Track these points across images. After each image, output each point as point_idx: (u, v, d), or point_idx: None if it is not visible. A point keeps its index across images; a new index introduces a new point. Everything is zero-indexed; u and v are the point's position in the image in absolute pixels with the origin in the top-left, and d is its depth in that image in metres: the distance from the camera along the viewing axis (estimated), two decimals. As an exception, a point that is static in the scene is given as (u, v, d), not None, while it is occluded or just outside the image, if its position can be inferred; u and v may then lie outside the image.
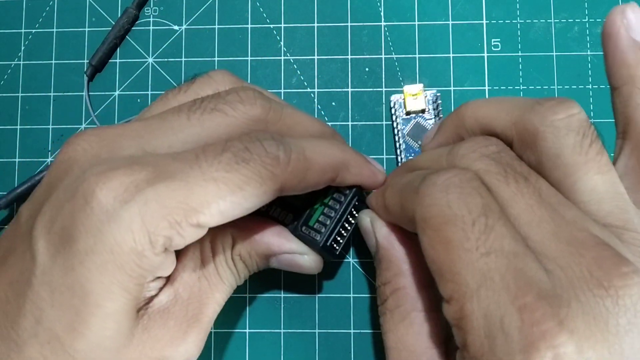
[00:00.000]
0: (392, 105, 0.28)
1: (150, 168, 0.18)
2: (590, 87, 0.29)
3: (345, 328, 0.28)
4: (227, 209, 0.19)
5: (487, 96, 0.29)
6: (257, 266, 0.23)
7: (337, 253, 0.24)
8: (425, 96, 0.28)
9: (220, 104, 0.21)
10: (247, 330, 0.28)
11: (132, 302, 0.19)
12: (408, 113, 0.28)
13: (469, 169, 0.19)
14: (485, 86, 0.29)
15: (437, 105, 0.28)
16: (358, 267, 0.28)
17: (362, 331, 0.28)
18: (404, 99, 0.28)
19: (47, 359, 0.18)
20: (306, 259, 0.23)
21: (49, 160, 0.30)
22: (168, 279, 0.21)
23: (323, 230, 0.23)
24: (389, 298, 0.21)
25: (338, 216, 0.23)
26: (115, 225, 0.18)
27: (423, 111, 0.28)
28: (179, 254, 0.21)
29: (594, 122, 0.28)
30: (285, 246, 0.23)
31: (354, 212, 0.24)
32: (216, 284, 0.22)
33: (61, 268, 0.18)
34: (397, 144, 0.28)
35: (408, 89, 0.28)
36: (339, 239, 0.24)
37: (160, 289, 0.20)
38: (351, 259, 0.28)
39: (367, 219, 0.23)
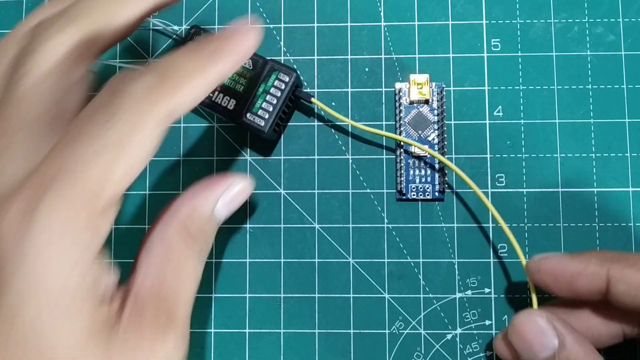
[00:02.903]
0: (396, 92, 0.29)
1: (32, 182, 0.17)
2: (590, 87, 0.29)
3: (345, 328, 0.28)
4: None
5: (486, 96, 0.29)
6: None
7: (280, 135, 0.28)
8: (431, 87, 0.28)
9: None
10: (247, 330, 0.28)
11: (93, 324, 0.17)
12: (411, 102, 0.28)
13: None
14: (485, 86, 0.29)
15: (442, 97, 0.28)
16: (358, 267, 0.28)
17: (361, 331, 0.28)
18: (408, 87, 0.28)
19: None
20: (239, 186, 0.21)
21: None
22: (129, 291, 0.19)
23: (267, 116, 0.25)
24: None
25: (280, 103, 0.25)
26: (32, 258, 0.16)
27: (427, 101, 0.28)
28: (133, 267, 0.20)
29: (593, 122, 0.28)
30: (216, 190, 0.21)
31: (292, 97, 0.26)
32: (183, 278, 0.20)
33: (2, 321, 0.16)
34: (397, 132, 0.28)
35: (414, 77, 0.28)
36: (280, 122, 0.27)
37: (125, 300, 0.19)
38: (351, 259, 0.28)
39: (543, 320, 0.23)
